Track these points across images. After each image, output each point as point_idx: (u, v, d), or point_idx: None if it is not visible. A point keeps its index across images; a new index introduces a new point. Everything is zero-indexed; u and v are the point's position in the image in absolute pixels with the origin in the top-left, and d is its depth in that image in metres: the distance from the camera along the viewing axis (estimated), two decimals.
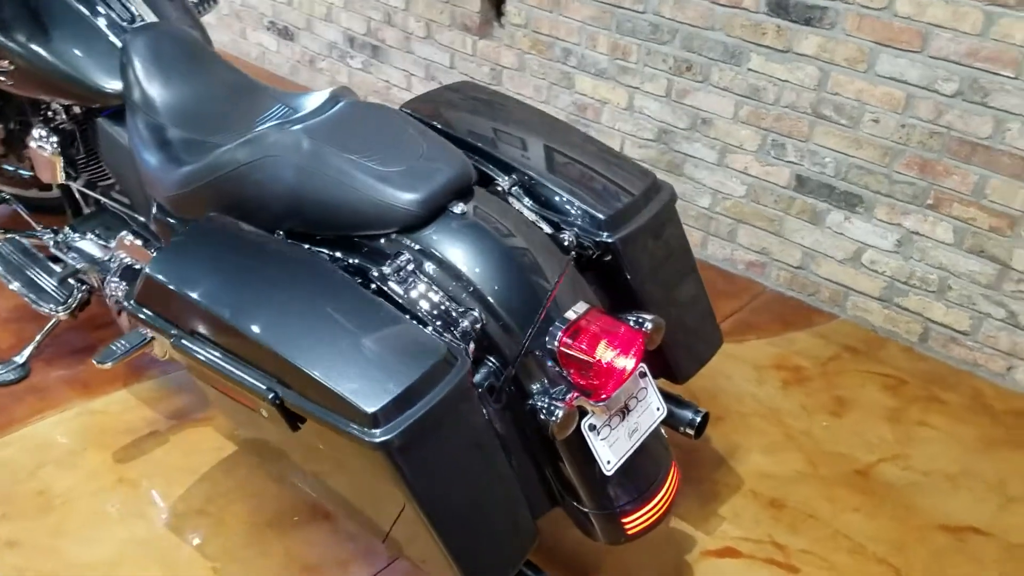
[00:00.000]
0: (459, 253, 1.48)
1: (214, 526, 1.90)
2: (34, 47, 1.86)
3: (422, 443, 1.30)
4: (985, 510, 2.12)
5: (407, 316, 1.44)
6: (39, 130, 2.04)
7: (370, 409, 1.26)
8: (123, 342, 1.89)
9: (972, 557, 1.98)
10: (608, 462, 1.51)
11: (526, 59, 3.33)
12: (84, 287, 2.16)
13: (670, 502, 1.62)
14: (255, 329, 1.37)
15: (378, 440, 1.26)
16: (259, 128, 1.64)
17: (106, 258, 2.08)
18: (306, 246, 1.57)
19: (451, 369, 1.34)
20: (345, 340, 1.35)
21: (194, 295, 1.43)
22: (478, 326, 1.43)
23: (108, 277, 2.03)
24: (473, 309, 1.44)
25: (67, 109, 2.05)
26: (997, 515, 2.11)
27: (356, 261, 1.55)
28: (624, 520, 1.56)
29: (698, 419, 1.80)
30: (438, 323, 1.46)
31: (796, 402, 2.43)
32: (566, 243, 1.61)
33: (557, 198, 1.66)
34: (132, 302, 1.53)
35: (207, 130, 1.78)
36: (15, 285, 2.14)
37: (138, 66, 1.85)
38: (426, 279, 1.48)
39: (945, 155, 2.48)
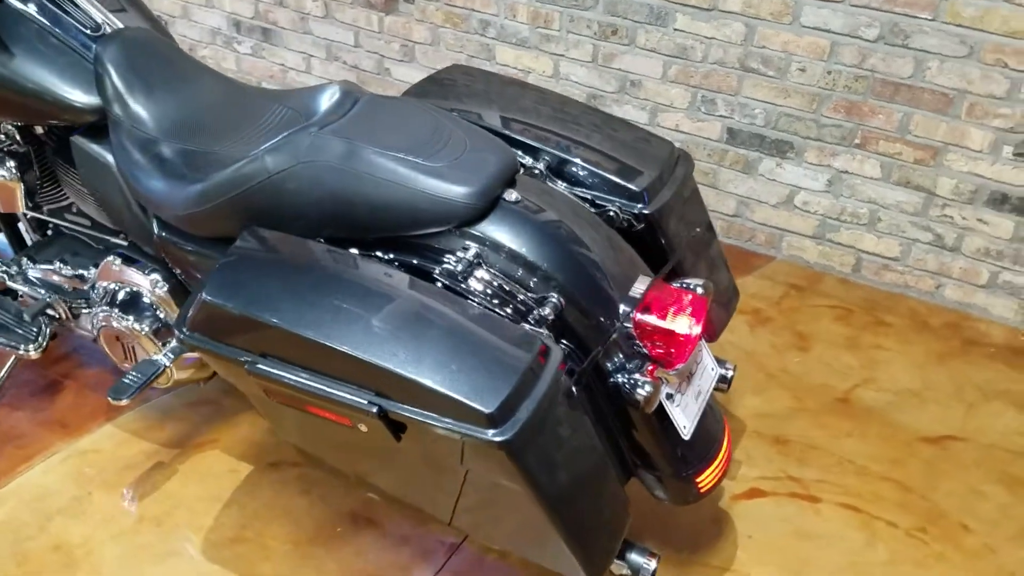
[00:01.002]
0: (522, 241, 1.48)
1: (257, 552, 1.83)
2: None
3: (536, 436, 1.31)
4: (954, 418, 2.33)
5: (490, 310, 1.43)
6: None
7: (488, 410, 1.26)
8: (135, 374, 1.77)
9: (957, 462, 2.18)
10: (684, 427, 1.56)
11: (440, 33, 3.28)
12: (52, 320, 1.99)
13: (729, 455, 1.70)
14: (347, 344, 1.32)
15: (500, 440, 1.26)
16: (283, 134, 1.56)
17: (84, 287, 1.93)
18: (354, 251, 1.52)
19: (548, 359, 1.35)
20: (441, 342, 1.33)
21: (269, 317, 1.36)
22: (559, 311, 1.44)
23: (93, 307, 1.88)
24: (550, 295, 1.45)
25: (22, 130, 1.86)
26: (965, 421, 2.32)
27: (415, 261, 1.51)
28: (697, 479, 1.62)
29: (729, 374, 1.89)
30: (516, 314, 1.45)
31: (766, 342, 2.57)
32: (611, 217, 1.63)
33: (588, 174, 1.68)
34: (185, 331, 1.44)
35: (207, 140, 1.68)
36: None
37: (116, 77, 1.71)
38: (495, 271, 1.47)
39: (870, 96, 2.66)
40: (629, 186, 1.66)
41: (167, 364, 1.80)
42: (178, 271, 1.75)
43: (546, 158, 1.69)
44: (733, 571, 1.85)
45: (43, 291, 2.02)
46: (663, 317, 1.50)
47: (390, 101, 1.65)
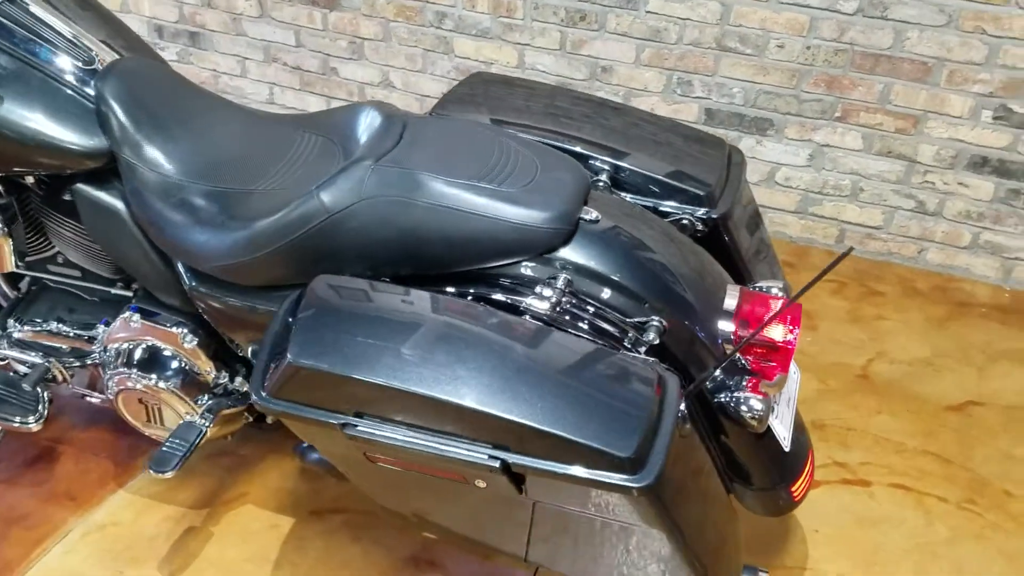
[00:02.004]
0: (610, 262, 1.39)
1: None
2: None
3: (671, 474, 1.24)
4: (969, 383, 2.37)
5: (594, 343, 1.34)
6: None
7: (626, 454, 1.17)
8: (177, 440, 1.60)
9: (984, 428, 2.22)
10: (784, 438, 1.52)
11: (392, 27, 3.12)
12: (49, 386, 1.79)
13: (813, 458, 1.66)
14: (461, 397, 1.21)
15: (642, 485, 1.18)
16: (335, 169, 1.41)
17: (90, 346, 1.73)
18: (440, 291, 1.40)
19: (667, 389, 1.27)
20: (559, 386, 1.23)
21: (367, 375, 1.23)
22: (662, 334, 1.36)
23: (105, 368, 1.70)
24: (651, 318, 1.37)
25: (3, 180, 1.64)
26: (980, 385, 2.37)
27: (497, 296, 1.40)
28: (792, 488, 1.58)
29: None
30: (617, 342, 1.37)
31: None
32: (683, 225, 1.56)
33: (647, 181, 1.60)
34: (265, 397, 1.30)
35: (238, 179, 1.52)
36: None
37: (123, 116, 1.51)
38: (588, 298, 1.37)
39: (850, 69, 2.66)
40: (693, 190, 1.58)
41: (207, 425, 1.64)
42: (217, 324, 1.58)
43: (606, 168, 1.60)
44: (810, 569, 1.83)
45: (33, 354, 1.81)
46: (759, 327, 1.43)
47: (442, 123, 1.52)
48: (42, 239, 1.76)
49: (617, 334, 1.38)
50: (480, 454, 1.23)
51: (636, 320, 1.38)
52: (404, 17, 3.08)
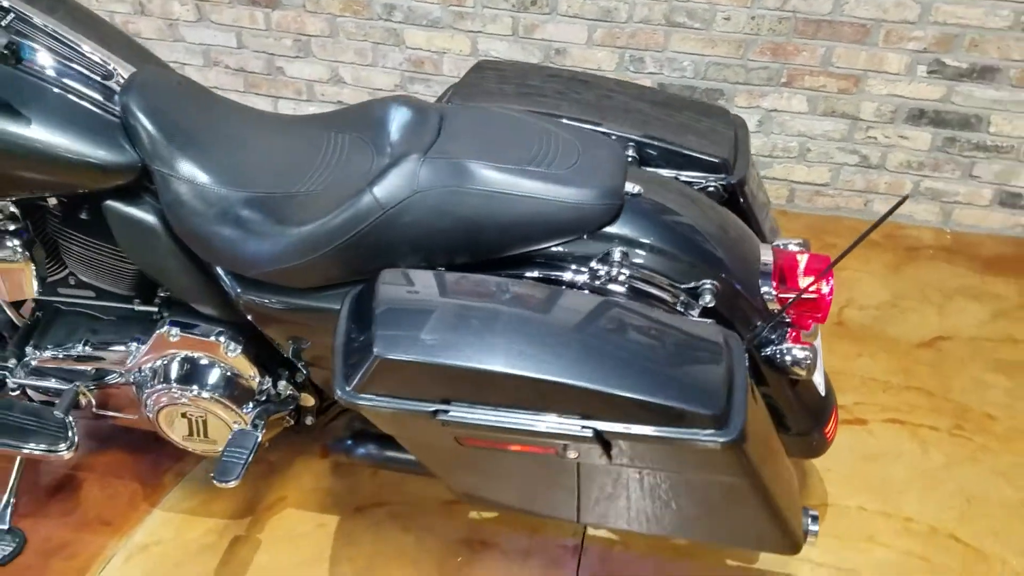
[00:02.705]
0: (659, 232, 1.47)
1: None
2: (7, 135, 1.42)
3: (750, 428, 1.32)
4: (932, 321, 2.55)
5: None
6: None
7: (714, 412, 1.25)
8: (236, 449, 1.60)
9: (955, 360, 2.40)
10: (820, 384, 1.62)
11: (339, 23, 3.11)
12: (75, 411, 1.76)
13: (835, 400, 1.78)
14: (550, 372, 1.26)
15: (729, 439, 1.26)
16: (384, 165, 1.43)
17: (119, 366, 1.70)
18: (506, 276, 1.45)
19: (733, 347, 1.36)
20: (639, 353, 1.30)
21: (457, 361, 1.27)
22: (717, 296, 1.44)
23: (143, 387, 1.68)
24: (703, 282, 1.45)
25: (20, 203, 1.59)
26: (942, 321, 2.55)
27: (554, 275, 1.46)
28: (825, 430, 1.69)
29: None
30: (677, 307, 1.44)
31: None
32: (711, 193, 1.64)
33: (667, 153, 1.67)
34: (351, 393, 1.32)
35: (276, 183, 1.52)
36: (11, 444, 1.69)
37: (153, 128, 1.49)
38: (643, 269, 1.44)
39: (793, 36, 2.80)
40: (711, 159, 1.67)
41: (261, 431, 1.64)
42: (266, 329, 1.58)
43: (630, 144, 1.66)
44: (833, 505, 1.96)
45: (55, 380, 1.77)
46: (795, 282, 1.53)
47: (478, 112, 1.56)
48: (53, 262, 1.71)
49: (670, 300, 1.45)
50: (573, 426, 1.28)
51: (689, 285, 1.45)
52: (351, 11, 3.07)
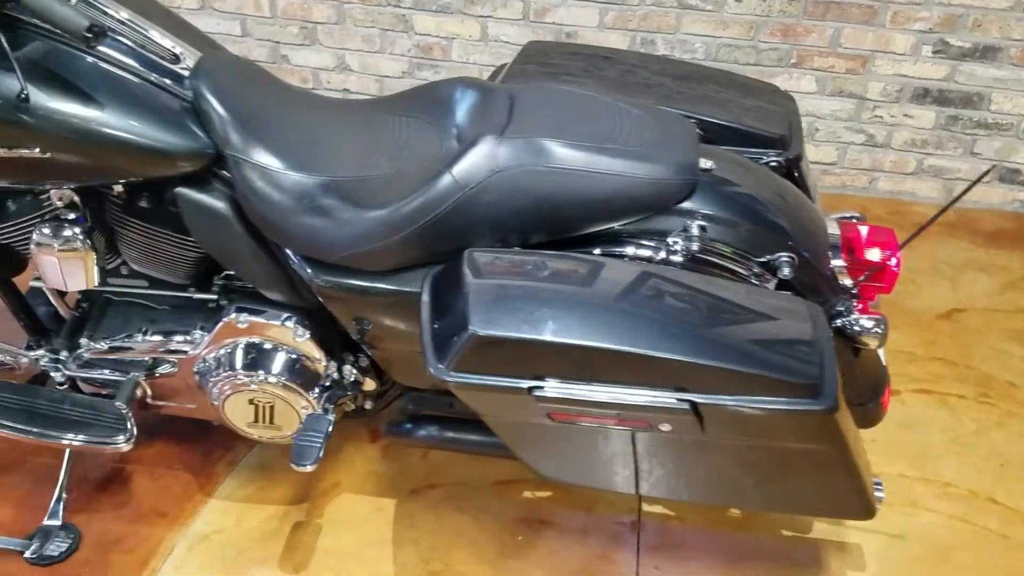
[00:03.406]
0: (734, 206, 1.49)
1: None
2: (83, 122, 1.39)
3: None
4: (946, 294, 2.63)
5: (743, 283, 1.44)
6: (56, 227, 1.55)
7: (812, 381, 1.28)
8: (310, 433, 1.59)
9: (973, 330, 2.47)
10: (883, 354, 1.66)
11: (346, 9, 3.09)
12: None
13: None
14: (647, 346, 1.29)
15: (825, 407, 1.29)
16: (469, 143, 1.43)
17: (179, 355, 1.69)
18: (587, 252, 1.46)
19: (818, 318, 1.39)
20: (729, 325, 1.33)
21: (554, 336, 1.29)
22: (795, 268, 1.47)
23: (208, 375, 1.67)
24: (781, 255, 1.48)
25: (81, 191, 1.57)
26: (956, 293, 2.63)
27: (631, 252, 1.48)
28: (883, 400, 1.74)
29: None
30: (752, 279, 1.47)
31: None
32: (773, 168, 1.67)
33: (725, 130, 1.69)
34: (449, 372, 1.33)
35: (350, 168, 1.51)
36: (68, 438, 1.67)
37: (226, 113, 1.48)
38: (719, 242, 1.47)
39: (803, 18, 2.85)
40: (770, 135, 1.69)
41: (332, 414, 1.64)
42: (341, 313, 1.58)
43: (692, 121, 1.68)
44: (876, 473, 2.00)
45: (108, 372, 1.75)
46: (862, 254, 1.57)
47: (547, 91, 1.57)
48: (106, 251, 1.69)
49: (746, 273, 1.48)
50: (668, 398, 1.31)
51: (765, 258, 1.48)
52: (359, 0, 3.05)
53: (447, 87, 1.63)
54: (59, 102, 1.38)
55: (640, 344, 1.29)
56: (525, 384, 1.33)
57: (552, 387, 1.32)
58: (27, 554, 1.70)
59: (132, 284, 1.74)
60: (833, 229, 1.58)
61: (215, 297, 1.72)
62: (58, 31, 1.38)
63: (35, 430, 1.68)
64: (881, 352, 1.67)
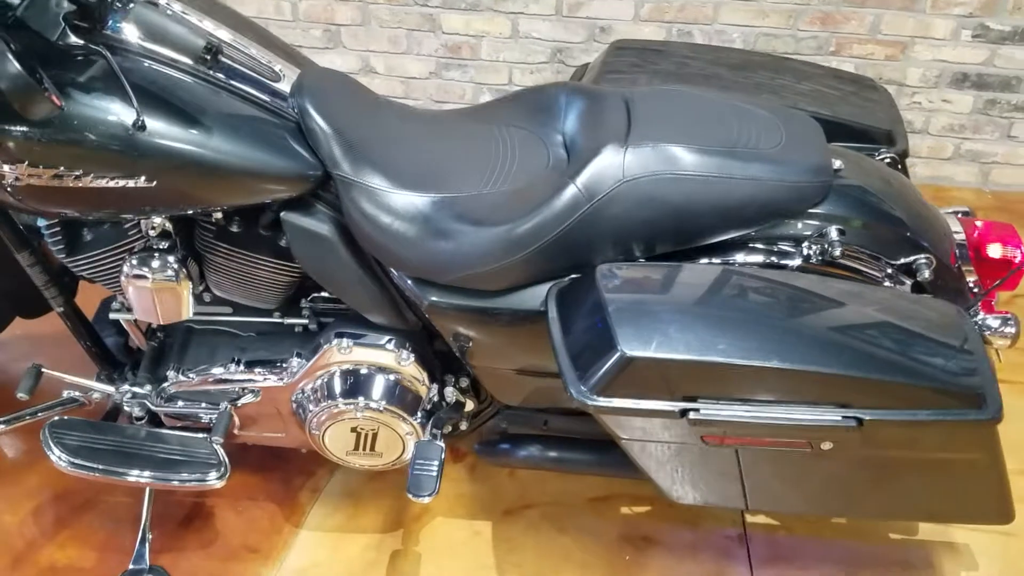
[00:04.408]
0: (868, 207, 1.44)
1: None
2: (194, 149, 1.30)
3: None
4: None
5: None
6: (150, 258, 1.45)
7: (974, 390, 1.24)
8: (426, 462, 1.52)
9: None
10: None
11: (371, 10, 3.00)
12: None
13: None
14: (805, 363, 1.23)
15: (992, 416, 1.25)
16: (592, 153, 1.36)
17: (288, 379, 1.60)
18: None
19: (968, 322, 1.34)
20: (885, 335, 1.27)
21: (710, 356, 1.23)
22: (934, 270, 1.42)
23: (307, 403, 1.59)
24: (918, 257, 1.43)
25: (174, 219, 1.47)
26: None
27: (762, 258, 1.42)
28: None
29: None
30: (890, 281, 1.42)
31: None
32: (889, 165, 1.62)
33: (839, 128, 1.64)
34: (593, 396, 1.26)
35: (462, 184, 1.44)
36: (160, 477, 1.58)
37: (333, 132, 1.39)
38: (856, 246, 1.41)
39: (842, 5, 2.81)
40: (879, 131, 1.65)
41: (442, 439, 1.57)
42: (453, 336, 1.50)
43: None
44: None
45: (194, 404, 1.66)
46: (985, 253, 1.53)
47: (664, 95, 1.50)
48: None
49: (879, 276, 1.43)
50: (833, 416, 1.25)
51: (902, 261, 1.43)
52: (385, 0, 2.96)
53: (550, 93, 1.56)
54: (169, 129, 1.29)
55: (803, 361, 1.23)
56: (677, 407, 1.26)
57: (708, 410, 1.26)
58: None
59: (216, 311, 1.65)
60: (957, 227, 1.54)
61: (305, 322, 1.64)
62: (165, 54, 1.29)
63: (123, 471, 1.58)
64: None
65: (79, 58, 1.23)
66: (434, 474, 1.52)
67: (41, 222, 1.49)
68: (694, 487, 1.45)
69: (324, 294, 1.63)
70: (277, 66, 1.43)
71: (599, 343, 1.26)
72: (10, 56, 1.10)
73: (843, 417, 1.25)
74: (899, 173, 1.57)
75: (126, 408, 1.72)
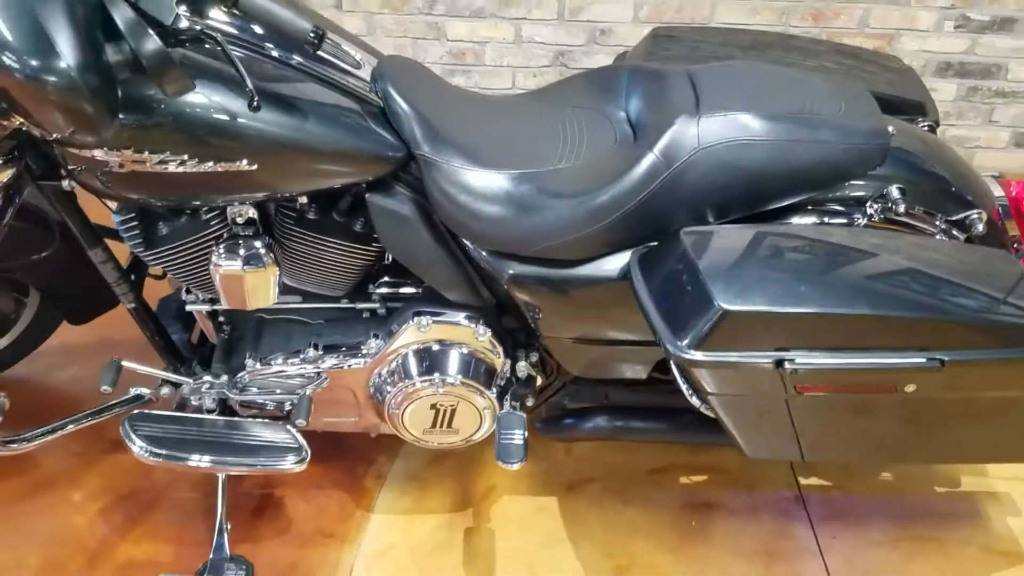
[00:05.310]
0: (927, 168, 1.53)
1: (650, 573, 1.72)
2: (294, 132, 1.34)
3: None
4: None
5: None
6: (239, 245, 1.48)
7: None
8: (508, 431, 1.57)
9: None
10: None
11: (376, 20, 3.05)
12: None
13: None
14: (892, 309, 1.31)
15: None
16: (668, 123, 1.43)
17: (367, 362, 1.63)
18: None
19: (1019, 264, 1.44)
20: (964, 280, 1.35)
21: (804, 308, 1.30)
22: (986, 224, 1.52)
23: (385, 384, 1.62)
24: (970, 213, 1.52)
25: (258, 206, 1.51)
26: None
27: (827, 219, 1.50)
28: None
29: None
30: (945, 236, 1.51)
31: None
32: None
33: (878, 101, 1.73)
34: (691, 351, 1.32)
35: (538, 160, 1.49)
36: (242, 465, 1.61)
37: (416, 115, 1.45)
38: (912, 202, 1.50)
39: (832, 1, 2.94)
40: (911, 101, 1.74)
41: (520, 410, 1.62)
42: (534, 308, 1.55)
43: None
44: None
45: (270, 393, 1.69)
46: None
47: (725, 67, 1.58)
48: None
49: (934, 231, 1.52)
50: (918, 359, 1.33)
51: (957, 216, 1.52)
52: (390, 8, 3.02)
53: (611, 74, 1.63)
54: (273, 112, 1.33)
55: (888, 307, 1.31)
56: (772, 357, 1.33)
57: (802, 359, 1.33)
58: None
59: (288, 300, 1.68)
60: (996, 188, 1.63)
61: (376, 306, 1.68)
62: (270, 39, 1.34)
63: (206, 458, 1.60)
64: None
65: (192, 42, 1.27)
66: (520, 442, 1.57)
67: (116, 217, 1.51)
68: (771, 440, 1.51)
69: (393, 279, 1.67)
70: (358, 55, 1.48)
71: (694, 301, 1.33)
72: (151, 32, 1.13)
73: (927, 359, 1.32)
74: (939, 138, 1.67)
75: (194, 402, 1.73)
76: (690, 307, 1.33)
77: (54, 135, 1.21)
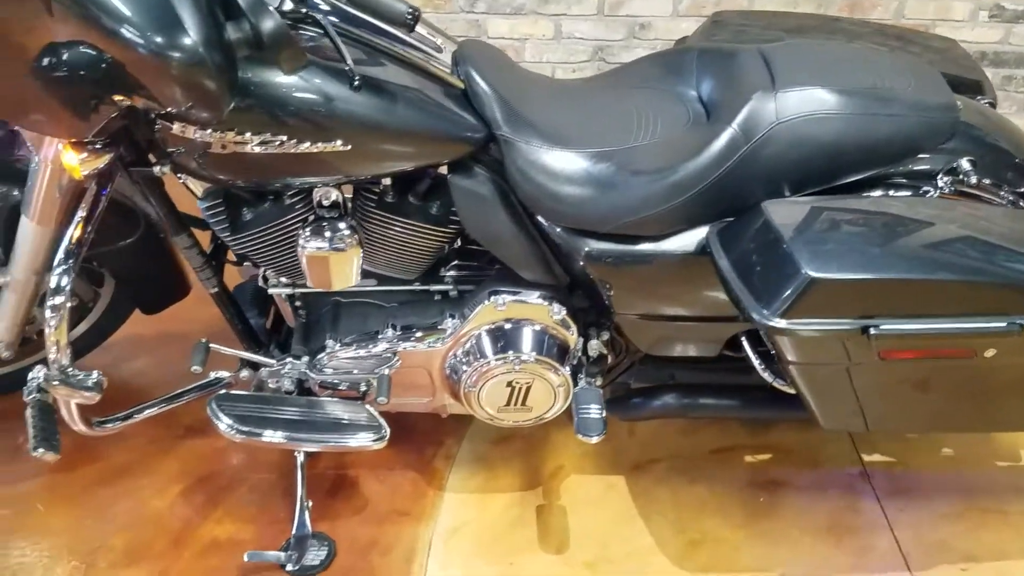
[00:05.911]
0: (994, 140, 1.56)
1: (724, 548, 1.75)
2: (387, 113, 1.38)
3: None
4: None
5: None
6: (325, 227, 1.53)
7: None
8: (586, 406, 1.63)
9: None
10: None
11: None
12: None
13: None
14: (973, 275, 1.34)
15: None
16: (745, 100, 1.47)
17: (444, 341, 1.67)
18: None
19: None
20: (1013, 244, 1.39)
21: (890, 274, 1.33)
22: None
23: (462, 364, 1.66)
24: None
25: (341, 187, 1.55)
26: None
27: (898, 193, 1.53)
28: None
29: None
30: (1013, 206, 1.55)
31: None
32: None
33: None
34: (779, 319, 1.35)
35: (615, 139, 1.54)
36: (324, 442, 1.65)
37: (495, 97, 1.49)
38: (981, 174, 1.53)
39: None
40: (968, 79, 1.77)
41: (596, 386, 1.66)
42: (611, 285, 1.59)
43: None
44: None
45: (343, 373, 1.72)
46: None
47: (797, 45, 1.62)
48: None
49: (1003, 202, 1.55)
50: (999, 323, 1.36)
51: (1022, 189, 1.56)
52: (432, 7, 3.06)
53: (679, 56, 1.67)
54: (368, 94, 1.37)
55: (969, 272, 1.34)
56: (859, 324, 1.36)
57: (887, 325, 1.36)
58: (289, 567, 1.65)
59: (364, 284, 1.72)
60: None
61: (449, 288, 1.71)
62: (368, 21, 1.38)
63: (292, 435, 1.64)
64: None
65: (295, 24, 1.31)
66: (598, 416, 1.60)
67: (202, 204, 1.55)
68: (845, 410, 1.55)
69: (463, 262, 1.71)
70: (439, 40, 1.52)
71: (780, 270, 1.36)
72: (271, 8, 1.18)
73: (1008, 323, 1.36)
74: (1000, 114, 1.70)
75: (272, 384, 1.77)
76: (775, 277, 1.36)
77: (167, 110, 1.24)
